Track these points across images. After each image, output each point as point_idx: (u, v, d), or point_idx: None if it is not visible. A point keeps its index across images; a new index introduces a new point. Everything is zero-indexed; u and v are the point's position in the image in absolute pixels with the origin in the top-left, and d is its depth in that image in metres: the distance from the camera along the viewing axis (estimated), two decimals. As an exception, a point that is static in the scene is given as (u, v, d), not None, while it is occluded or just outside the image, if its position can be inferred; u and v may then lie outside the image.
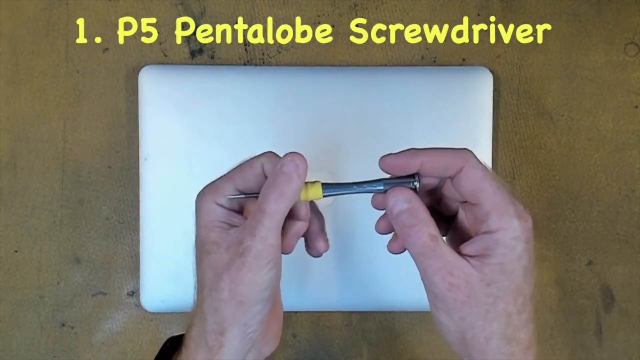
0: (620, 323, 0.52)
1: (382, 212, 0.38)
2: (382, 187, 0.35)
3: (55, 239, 0.51)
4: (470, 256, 0.32)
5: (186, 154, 0.49)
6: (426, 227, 0.33)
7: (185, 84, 0.49)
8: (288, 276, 0.49)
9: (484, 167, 0.33)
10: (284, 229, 0.35)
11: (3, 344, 0.51)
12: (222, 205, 0.35)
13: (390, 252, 0.37)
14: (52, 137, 0.51)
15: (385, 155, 0.35)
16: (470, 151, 0.34)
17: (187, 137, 0.49)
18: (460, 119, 0.49)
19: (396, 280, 0.49)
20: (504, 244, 0.32)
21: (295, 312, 0.52)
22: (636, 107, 0.52)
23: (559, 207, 0.52)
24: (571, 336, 0.52)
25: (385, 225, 0.37)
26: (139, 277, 0.50)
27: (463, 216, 0.36)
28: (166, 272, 0.49)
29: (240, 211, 0.36)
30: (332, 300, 0.50)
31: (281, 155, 0.35)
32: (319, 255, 0.38)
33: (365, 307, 0.51)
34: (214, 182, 0.36)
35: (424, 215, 0.33)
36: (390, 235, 0.38)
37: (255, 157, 0.35)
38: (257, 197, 0.34)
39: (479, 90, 0.50)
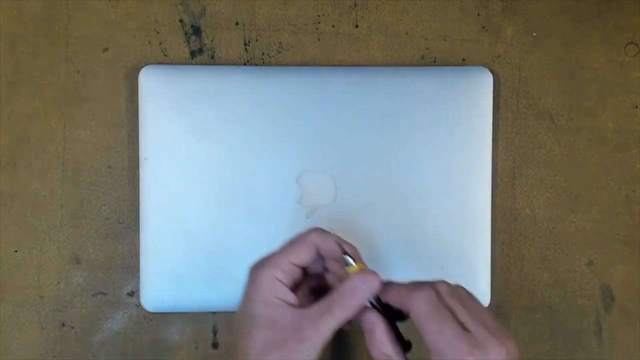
0: (620, 323, 0.52)
1: None
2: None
3: (55, 239, 0.51)
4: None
5: (186, 154, 0.49)
6: (380, 345, 0.37)
7: (185, 84, 0.49)
8: (288, 276, 0.49)
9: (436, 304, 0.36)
10: None
11: (3, 344, 0.51)
12: (279, 280, 0.37)
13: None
14: (52, 137, 0.51)
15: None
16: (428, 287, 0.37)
17: (187, 137, 0.49)
18: (460, 119, 0.49)
19: (396, 280, 0.49)
20: None
21: (295, 312, 0.52)
22: (636, 107, 0.52)
23: (559, 207, 0.52)
24: (571, 336, 0.52)
25: None
26: (139, 277, 0.50)
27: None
28: (166, 272, 0.49)
29: (292, 288, 0.38)
30: (332, 300, 0.50)
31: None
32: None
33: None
34: (269, 256, 0.38)
35: (381, 333, 0.37)
36: None
37: (306, 233, 0.39)
38: (315, 276, 0.39)
39: (479, 90, 0.50)
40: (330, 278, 0.41)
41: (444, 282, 0.38)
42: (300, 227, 0.49)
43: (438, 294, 0.37)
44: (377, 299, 0.39)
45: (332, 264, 0.40)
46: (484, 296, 0.50)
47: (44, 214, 0.51)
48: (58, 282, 0.52)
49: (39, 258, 0.51)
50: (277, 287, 0.37)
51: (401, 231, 0.49)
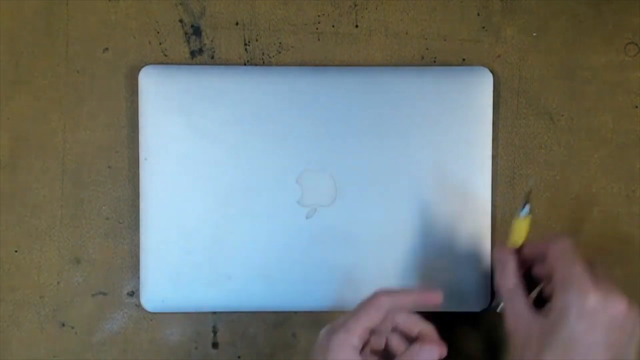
0: None
1: None
2: None
3: (55, 239, 0.51)
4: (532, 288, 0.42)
5: (186, 154, 0.49)
6: (507, 279, 0.42)
7: (185, 84, 0.49)
8: (287, 276, 0.50)
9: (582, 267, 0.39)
10: None
11: (3, 344, 0.51)
12: (355, 347, 0.40)
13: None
14: (52, 137, 0.51)
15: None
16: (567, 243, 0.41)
17: (187, 137, 0.49)
18: (460, 119, 0.49)
19: (396, 281, 0.49)
20: (557, 308, 0.39)
21: (295, 312, 0.52)
22: (636, 107, 0.52)
23: (559, 207, 0.52)
24: (571, 336, 0.52)
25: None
26: (139, 277, 0.50)
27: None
28: (166, 272, 0.49)
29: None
30: (332, 300, 0.50)
31: None
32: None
33: (365, 307, 0.51)
34: (343, 322, 0.41)
35: (510, 269, 0.42)
36: None
37: (376, 297, 0.41)
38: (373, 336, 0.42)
39: (479, 90, 0.50)
40: (393, 341, 0.43)
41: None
42: (300, 227, 0.49)
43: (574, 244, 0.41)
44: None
45: (401, 318, 0.42)
46: (484, 296, 0.50)
47: (44, 214, 0.51)
48: (58, 282, 0.52)
49: (39, 258, 0.51)
50: (352, 354, 0.39)
51: (401, 231, 0.49)
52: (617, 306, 0.38)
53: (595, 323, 0.37)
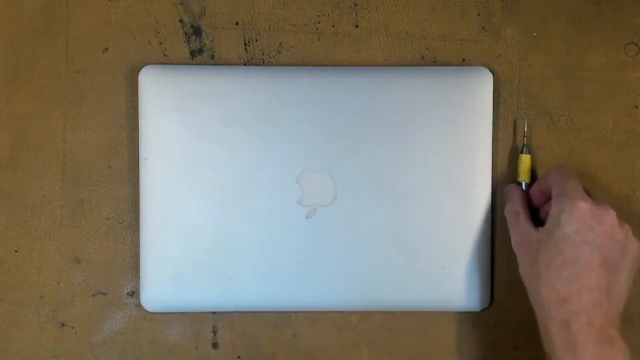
0: (620, 323, 0.52)
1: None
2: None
3: (55, 239, 0.51)
4: (541, 226, 0.45)
5: (186, 154, 0.49)
6: (513, 206, 0.48)
7: (185, 84, 0.49)
8: (287, 276, 0.50)
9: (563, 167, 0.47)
10: None
11: (3, 344, 0.51)
12: None
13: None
14: (52, 137, 0.51)
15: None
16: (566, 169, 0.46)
17: (187, 137, 0.49)
18: (460, 119, 0.49)
19: (397, 280, 0.49)
20: (552, 216, 0.44)
21: (295, 312, 0.52)
22: (636, 107, 0.52)
23: (559, 207, 0.52)
24: (571, 336, 0.52)
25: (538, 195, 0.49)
26: (139, 277, 0.50)
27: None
28: (166, 272, 0.49)
29: None
30: (332, 300, 0.50)
31: None
32: None
33: (365, 307, 0.51)
34: None
35: (516, 198, 0.48)
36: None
37: None
38: None
39: (479, 90, 0.50)
40: None
41: None
42: (300, 227, 0.49)
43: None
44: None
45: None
46: (484, 296, 0.50)
47: (44, 214, 0.51)
48: (58, 282, 0.52)
49: (39, 258, 0.51)
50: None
51: (401, 231, 0.49)
52: (607, 213, 0.42)
53: (585, 225, 0.42)
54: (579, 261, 0.42)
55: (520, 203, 0.48)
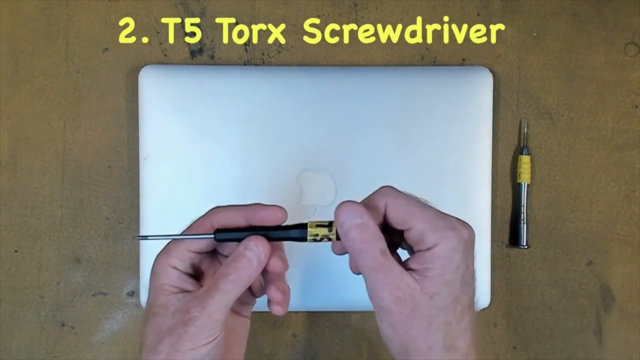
0: (620, 323, 0.52)
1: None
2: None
3: (55, 239, 0.51)
4: (414, 270, 0.33)
5: (186, 154, 0.49)
6: (377, 242, 0.33)
7: (185, 84, 0.49)
8: (288, 276, 0.49)
9: (405, 194, 0.35)
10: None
11: (3, 344, 0.51)
12: (175, 268, 0.35)
13: (353, 272, 0.37)
14: (52, 137, 0.51)
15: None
16: (389, 186, 0.35)
17: (187, 137, 0.49)
18: (460, 119, 0.49)
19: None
20: (442, 256, 0.33)
21: (296, 312, 0.52)
22: (636, 107, 0.52)
23: (559, 207, 0.52)
24: (571, 336, 0.52)
25: (340, 246, 0.37)
26: (139, 277, 0.50)
27: (409, 234, 0.35)
28: (166, 272, 0.49)
29: (195, 275, 0.36)
30: (332, 300, 0.50)
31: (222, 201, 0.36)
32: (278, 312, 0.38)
33: (365, 307, 0.51)
34: (167, 244, 0.36)
35: (375, 230, 0.34)
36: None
37: (204, 216, 0.36)
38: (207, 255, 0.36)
39: (479, 90, 0.50)
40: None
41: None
42: (300, 227, 0.49)
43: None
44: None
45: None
46: (484, 296, 0.50)
47: (44, 214, 0.51)
48: (58, 282, 0.52)
49: (39, 258, 0.51)
50: (171, 274, 0.35)
51: (401, 231, 0.49)
52: (467, 228, 0.34)
53: (466, 256, 0.33)
54: (466, 303, 0.34)
55: (381, 236, 0.34)
